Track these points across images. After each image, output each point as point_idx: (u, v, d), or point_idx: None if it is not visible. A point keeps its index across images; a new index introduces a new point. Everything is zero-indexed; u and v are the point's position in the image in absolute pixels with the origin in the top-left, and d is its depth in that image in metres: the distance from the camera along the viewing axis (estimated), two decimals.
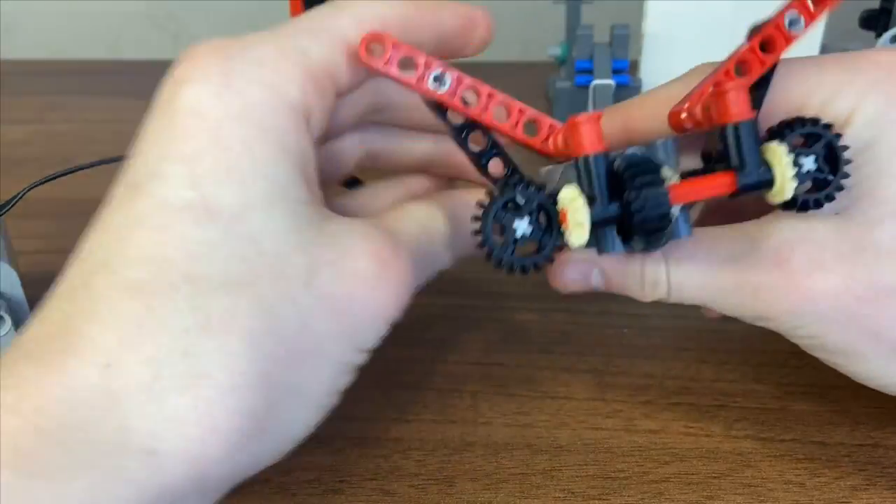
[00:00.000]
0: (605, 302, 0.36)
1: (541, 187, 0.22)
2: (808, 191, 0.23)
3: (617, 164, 0.22)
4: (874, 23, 0.47)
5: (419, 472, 0.27)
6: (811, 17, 0.23)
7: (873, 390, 0.27)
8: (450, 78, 0.22)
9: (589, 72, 0.50)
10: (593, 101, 0.48)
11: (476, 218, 0.22)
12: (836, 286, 0.23)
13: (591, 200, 0.22)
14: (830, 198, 0.23)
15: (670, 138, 0.23)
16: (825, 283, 0.23)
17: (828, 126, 0.22)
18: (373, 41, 0.22)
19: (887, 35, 0.45)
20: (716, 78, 0.23)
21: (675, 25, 0.49)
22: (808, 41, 0.49)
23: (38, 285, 0.36)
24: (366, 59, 0.22)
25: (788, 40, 0.23)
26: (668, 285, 0.25)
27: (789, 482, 0.26)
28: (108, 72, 0.72)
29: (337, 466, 0.27)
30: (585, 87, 0.49)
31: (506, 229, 0.22)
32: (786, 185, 0.22)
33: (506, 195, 0.22)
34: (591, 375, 0.31)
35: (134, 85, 0.68)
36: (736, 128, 0.22)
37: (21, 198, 0.28)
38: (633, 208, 0.21)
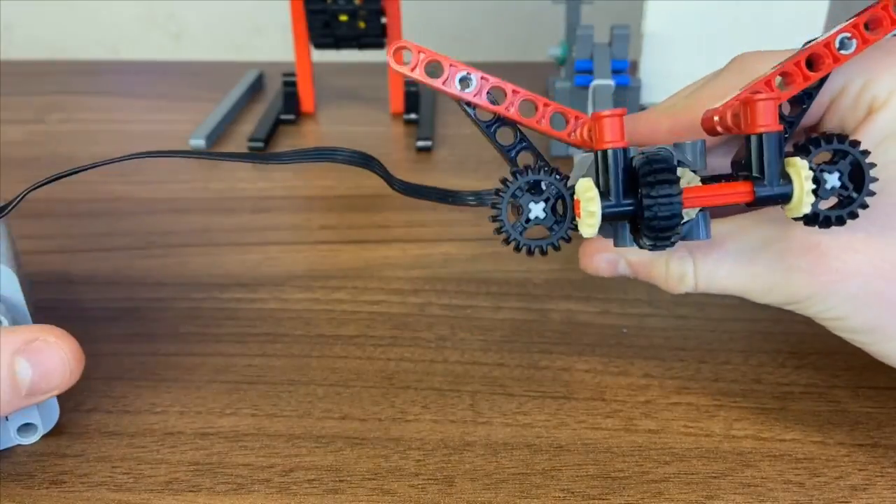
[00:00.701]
0: (605, 302, 0.36)
1: (563, 177, 0.23)
2: (832, 206, 0.23)
3: (636, 161, 0.22)
4: None
5: (419, 472, 0.27)
6: (864, 42, 0.23)
7: (873, 390, 0.27)
8: (475, 78, 0.24)
9: (589, 72, 0.50)
10: (593, 102, 0.48)
11: (497, 192, 0.23)
12: (865, 266, 0.24)
13: (606, 194, 0.22)
14: (854, 215, 0.23)
15: (700, 140, 0.23)
16: (855, 263, 0.24)
17: (855, 143, 0.22)
18: (401, 49, 0.23)
19: (887, 36, 0.45)
20: (755, 87, 0.23)
21: (675, 25, 0.49)
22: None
23: (38, 285, 0.36)
24: (396, 66, 0.23)
25: (837, 61, 0.23)
26: (696, 278, 0.26)
27: (789, 482, 0.26)
28: (108, 72, 0.72)
29: (337, 466, 0.27)
30: (585, 87, 0.49)
31: (522, 209, 0.22)
32: (803, 200, 0.22)
33: (527, 177, 0.22)
34: (591, 375, 0.31)
35: (134, 85, 0.68)
36: (760, 138, 0.22)
37: (21, 200, 0.28)
38: (645, 207, 0.22)
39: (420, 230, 0.43)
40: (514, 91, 0.24)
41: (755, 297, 0.26)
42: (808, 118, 0.25)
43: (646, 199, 0.22)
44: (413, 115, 0.58)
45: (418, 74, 0.23)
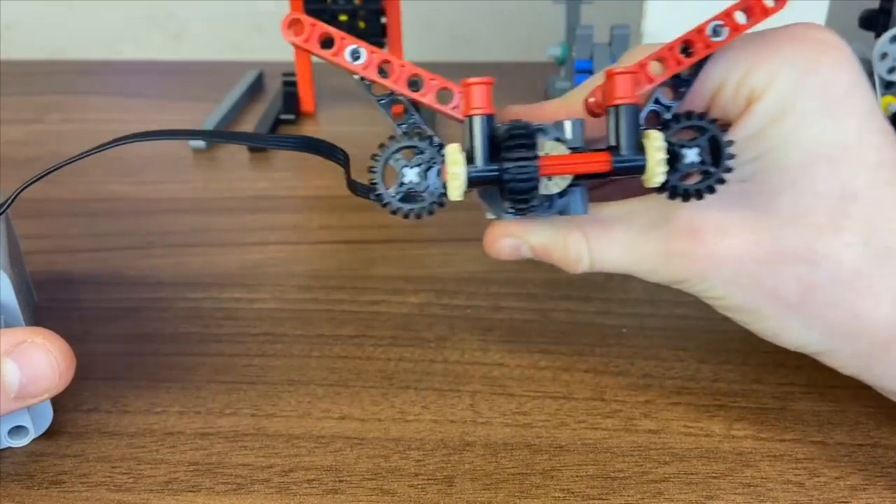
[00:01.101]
0: (605, 302, 0.36)
1: (438, 144, 0.23)
2: (698, 181, 0.24)
3: (500, 129, 0.23)
4: (874, 23, 0.47)
5: (419, 472, 0.27)
6: (736, 30, 0.23)
7: (873, 390, 0.27)
8: (364, 52, 0.24)
9: (589, 72, 0.50)
10: None
11: (373, 156, 0.23)
12: (740, 251, 0.25)
13: (472, 159, 0.23)
14: (711, 189, 0.23)
15: (579, 118, 0.24)
16: (730, 248, 0.25)
17: (713, 120, 0.23)
18: (296, 21, 0.24)
19: (887, 35, 0.45)
20: (628, 70, 0.24)
21: (675, 25, 0.49)
22: None
23: (38, 285, 0.36)
24: (289, 37, 0.24)
25: (710, 47, 0.24)
26: (591, 258, 0.27)
27: (789, 482, 0.26)
28: (108, 72, 0.72)
29: (337, 466, 0.27)
30: None
31: (397, 174, 0.23)
32: (655, 170, 0.23)
33: (401, 142, 0.23)
34: (590, 375, 0.31)
35: (134, 85, 0.68)
36: (617, 109, 0.23)
37: (15, 198, 0.28)
38: (503, 170, 0.23)
39: (420, 230, 0.43)
40: (401, 66, 0.24)
41: (644, 277, 0.27)
42: (694, 107, 0.26)
43: (504, 163, 0.23)
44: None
45: (311, 46, 0.24)
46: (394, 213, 0.24)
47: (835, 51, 0.25)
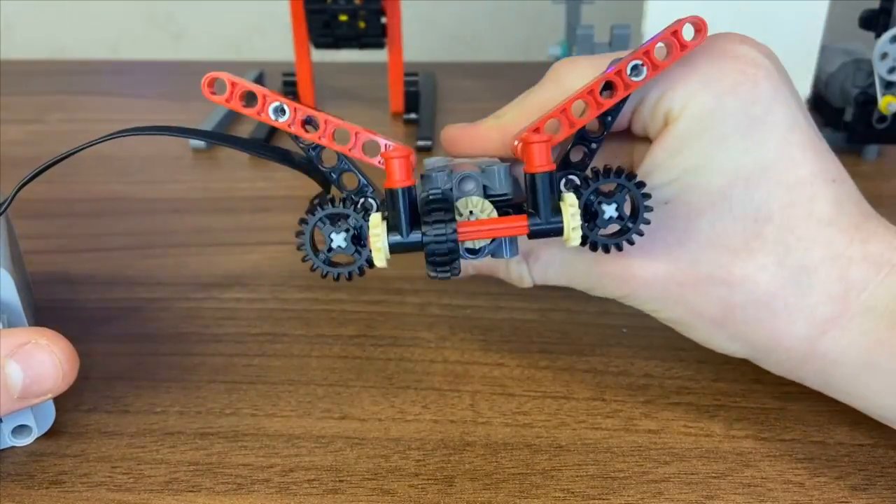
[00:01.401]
0: (605, 302, 0.36)
1: (363, 209, 0.24)
2: (615, 233, 0.24)
3: (420, 200, 0.24)
4: (874, 23, 0.47)
5: (419, 472, 0.27)
6: (655, 69, 0.24)
7: None
8: (288, 109, 0.25)
9: None
10: None
11: (301, 221, 0.24)
12: (663, 274, 0.26)
13: (395, 228, 0.24)
14: (630, 241, 0.24)
15: (503, 166, 0.25)
16: (654, 271, 0.26)
17: (631, 176, 0.24)
18: (214, 80, 0.25)
19: (887, 35, 0.45)
20: (552, 114, 0.24)
21: None
22: (808, 42, 0.49)
23: (37, 285, 0.36)
24: (210, 96, 0.24)
25: (629, 88, 0.24)
26: (532, 278, 0.29)
27: (789, 482, 0.26)
28: (108, 72, 0.72)
29: (337, 466, 0.27)
30: None
31: (325, 239, 0.24)
32: (570, 235, 0.24)
33: (326, 210, 0.24)
34: (590, 375, 0.31)
35: (134, 85, 0.68)
36: (533, 178, 0.23)
37: (14, 196, 0.28)
38: (424, 243, 0.23)
39: None
40: (326, 121, 0.25)
41: (584, 291, 0.29)
42: (617, 125, 0.26)
43: (424, 237, 0.23)
44: (413, 115, 0.58)
45: (234, 104, 0.25)
46: (323, 276, 0.25)
47: (754, 68, 0.25)
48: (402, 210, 0.24)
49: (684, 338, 0.30)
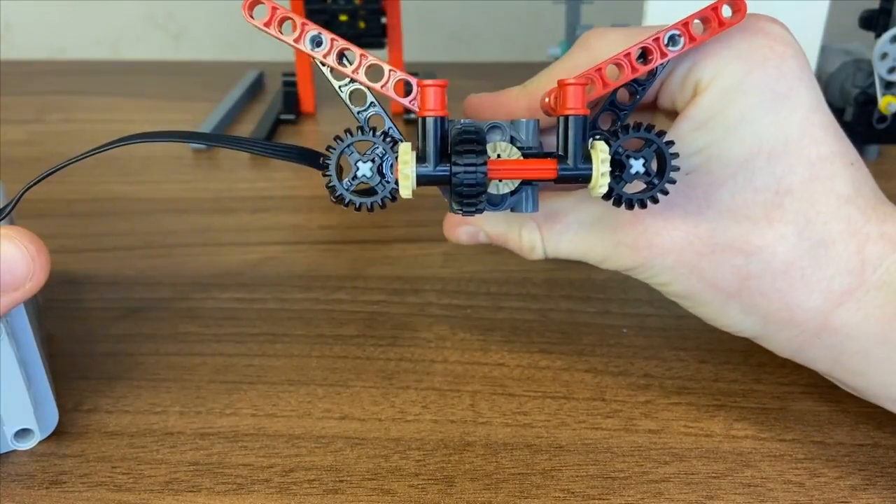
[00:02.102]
0: (605, 302, 0.36)
1: (392, 141, 0.24)
2: (642, 190, 0.24)
3: (452, 131, 0.24)
4: (874, 23, 0.47)
5: (419, 472, 0.27)
6: (692, 41, 0.24)
7: None
8: (326, 39, 0.24)
9: None
10: None
11: (328, 148, 0.24)
12: (681, 242, 0.26)
13: (424, 159, 0.23)
14: (654, 199, 0.24)
15: (533, 119, 0.25)
16: (672, 239, 0.26)
17: (661, 133, 0.24)
18: (255, 4, 0.24)
19: (887, 35, 0.45)
20: (587, 73, 0.24)
21: None
22: (808, 42, 0.49)
23: None
24: (249, 20, 0.24)
25: (664, 56, 0.24)
26: (544, 248, 0.28)
27: (789, 482, 0.26)
28: (108, 72, 0.72)
29: (337, 466, 0.27)
30: None
31: (351, 167, 0.24)
32: (598, 181, 0.23)
33: (357, 136, 0.24)
34: (590, 375, 0.31)
35: (134, 85, 0.68)
36: (567, 119, 0.23)
37: (18, 200, 0.28)
38: (452, 174, 0.23)
39: (420, 230, 0.43)
40: (362, 55, 0.25)
41: (595, 264, 0.28)
42: (645, 98, 0.26)
43: (453, 167, 0.23)
44: (413, 115, 0.58)
45: (272, 30, 0.24)
46: (345, 204, 0.24)
47: (783, 45, 0.25)
48: (432, 140, 0.23)
49: (684, 338, 0.30)
